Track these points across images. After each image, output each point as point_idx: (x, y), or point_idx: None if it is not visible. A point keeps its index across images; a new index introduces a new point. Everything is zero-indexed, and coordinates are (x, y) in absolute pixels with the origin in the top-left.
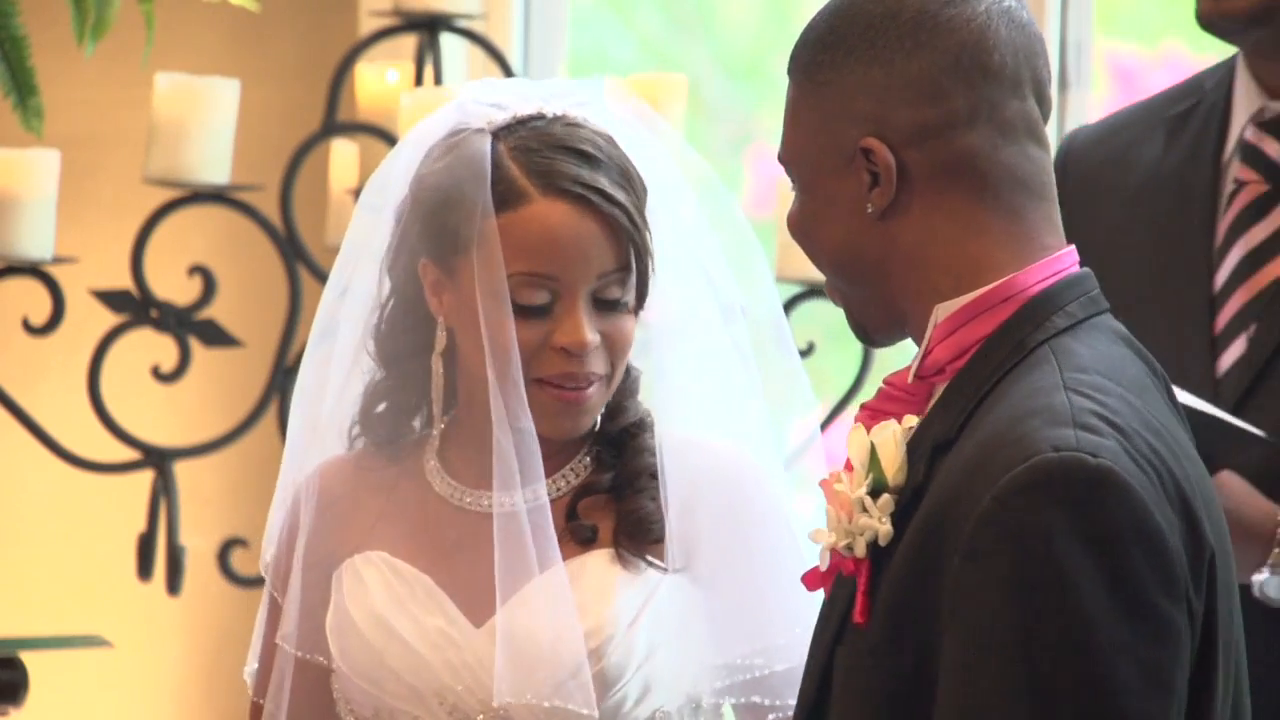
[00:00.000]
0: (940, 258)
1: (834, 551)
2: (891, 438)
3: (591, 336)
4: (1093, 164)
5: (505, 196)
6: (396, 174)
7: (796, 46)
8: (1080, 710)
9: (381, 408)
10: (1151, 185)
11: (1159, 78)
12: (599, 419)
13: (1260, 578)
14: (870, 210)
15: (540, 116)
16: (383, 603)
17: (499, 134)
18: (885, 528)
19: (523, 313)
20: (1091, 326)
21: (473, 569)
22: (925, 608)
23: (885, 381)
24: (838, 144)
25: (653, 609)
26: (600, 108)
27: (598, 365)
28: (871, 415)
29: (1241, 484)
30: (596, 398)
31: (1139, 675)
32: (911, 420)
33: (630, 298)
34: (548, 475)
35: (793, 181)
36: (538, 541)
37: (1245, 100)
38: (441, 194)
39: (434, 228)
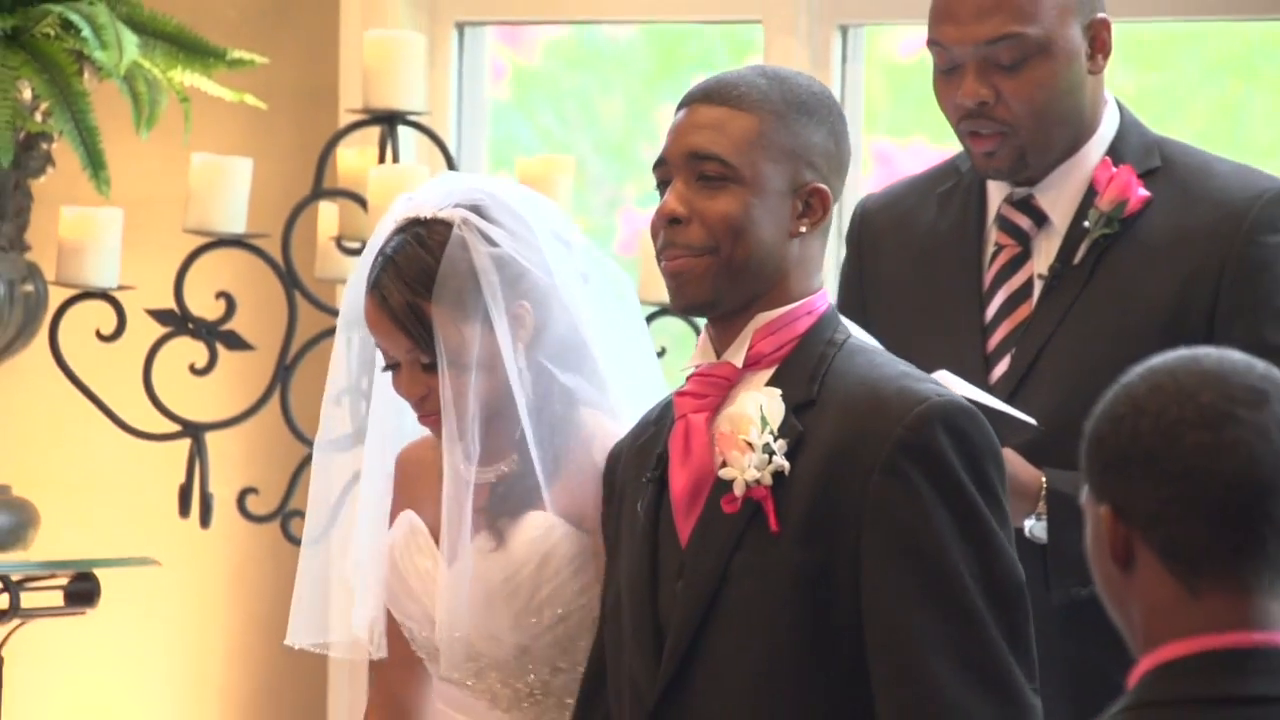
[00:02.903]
0: (799, 277)
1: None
2: (773, 401)
3: (413, 392)
4: (882, 224)
5: None
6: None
7: (774, 94)
8: (1005, 576)
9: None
10: (930, 244)
11: (908, 161)
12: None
13: (1030, 523)
14: (803, 231)
15: (416, 221)
16: (400, 550)
17: (398, 229)
18: (786, 463)
19: (389, 368)
20: (852, 338)
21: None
22: (837, 513)
23: (699, 372)
24: (791, 176)
25: (546, 556)
26: (491, 202)
27: (435, 403)
28: (696, 399)
29: (1016, 455)
30: (444, 421)
31: (1010, 549)
32: (777, 391)
33: (436, 360)
34: (488, 464)
35: (726, 175)
36: (470, 508)
37: (997, 186)
38: None
39: None
